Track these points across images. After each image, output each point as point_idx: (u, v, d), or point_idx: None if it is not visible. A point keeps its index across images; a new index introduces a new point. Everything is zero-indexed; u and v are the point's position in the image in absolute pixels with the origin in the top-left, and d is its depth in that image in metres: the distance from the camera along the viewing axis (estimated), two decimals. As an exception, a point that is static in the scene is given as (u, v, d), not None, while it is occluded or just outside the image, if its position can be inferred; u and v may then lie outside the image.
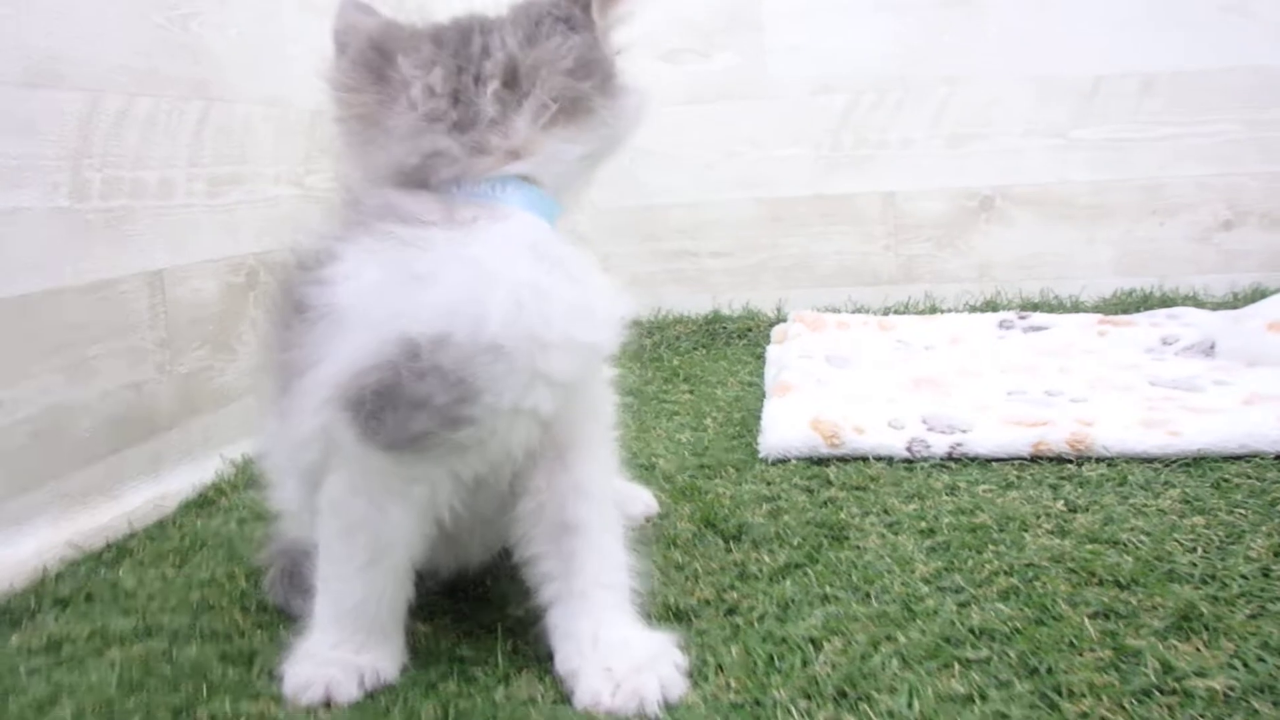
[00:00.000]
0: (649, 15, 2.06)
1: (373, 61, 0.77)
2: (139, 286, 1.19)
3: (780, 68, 2.08)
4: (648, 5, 2.02)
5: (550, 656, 0.78)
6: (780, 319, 1.99)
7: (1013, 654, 0.76)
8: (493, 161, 0.75)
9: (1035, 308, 1.95)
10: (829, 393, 1.44)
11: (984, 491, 1.12)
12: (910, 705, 0.70)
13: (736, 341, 2.02)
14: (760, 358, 1.81)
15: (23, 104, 1.03)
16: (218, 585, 1.00)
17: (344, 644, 0.77)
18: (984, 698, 0.71)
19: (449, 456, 0.72)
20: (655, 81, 2.12)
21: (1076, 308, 1.97)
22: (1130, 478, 1.13)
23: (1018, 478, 1.16)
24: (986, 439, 1.22)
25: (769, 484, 1.19)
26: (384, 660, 0.78)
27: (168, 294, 1.23)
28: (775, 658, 0.78)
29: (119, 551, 1.11)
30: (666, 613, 0.86)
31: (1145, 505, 1.05)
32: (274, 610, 0.93)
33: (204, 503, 1.25)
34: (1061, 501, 1.07)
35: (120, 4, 1.18)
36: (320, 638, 0.78)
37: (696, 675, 0.76)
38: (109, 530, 1.12)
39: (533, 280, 0.70)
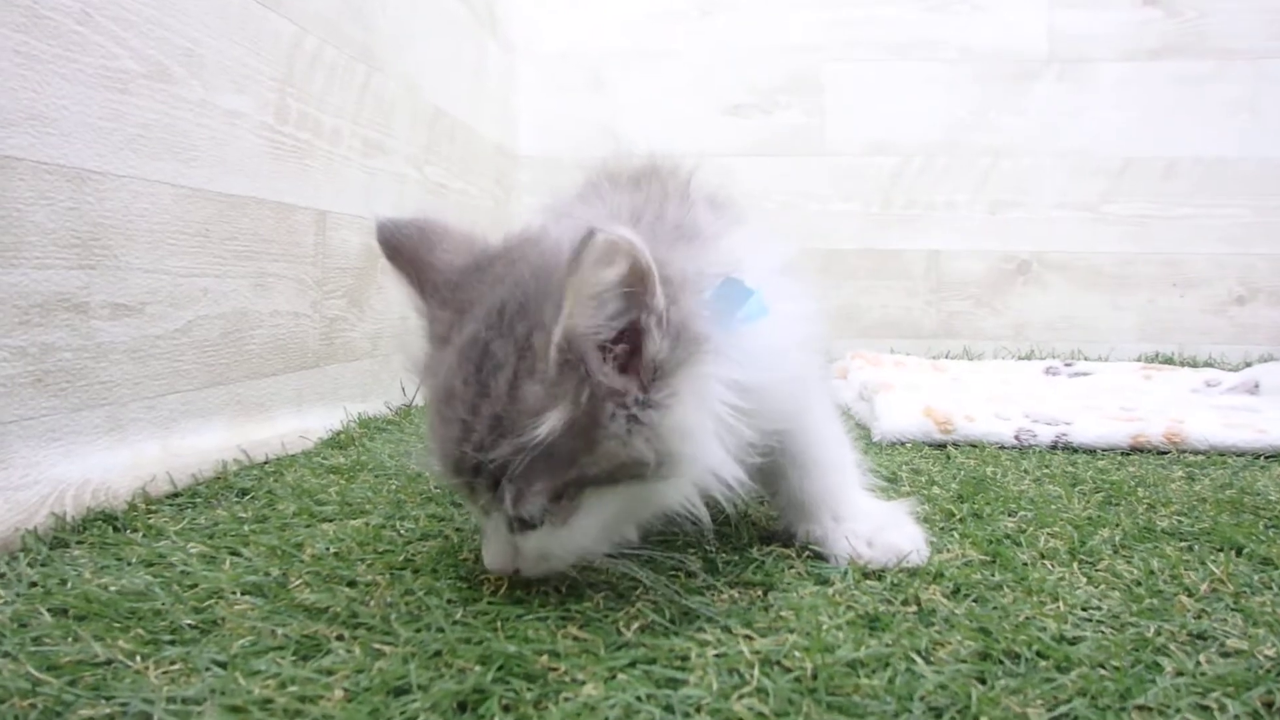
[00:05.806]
0: (719, 74, 2.22)
1: None
2: (309, 220, 1.22)
3: (837, 127, 2.24)
4: (718, 64, 2.18)
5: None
6: (830, 362, 2.07)
7: (1215, 539, 0.85)
8: None
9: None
10: (929, 393, 1.51)
11: (1102, 465, 1.20)
12: (1138, 567, 0.77)
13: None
14: (818, 390, 1.88)
15: (251, 21, 1.08)
16: (411, 488, 1.00)
17: None
18: (1203, 563, 0.78)
19: None
20: (720, 134, 2.25)
21: (1106, 367, 2.10)
22: (1230, 462, 1.23)
23: (1125, 460, 1.24)
24: (1089, 430, 1.31)
25: (894, 458, 1.25)
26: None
27: (327, 236, 1.26)
28: (1002, 537, 0.84)
29: (278, 465, 1.10)
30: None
31: (1256, 477, 1.14)
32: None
33: (339, 444, 1.25)
34: (1179, 471, 1.16)
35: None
36: None
37: (935, 547, 0.81)
38: (267, 446, 1.12)
39: None
